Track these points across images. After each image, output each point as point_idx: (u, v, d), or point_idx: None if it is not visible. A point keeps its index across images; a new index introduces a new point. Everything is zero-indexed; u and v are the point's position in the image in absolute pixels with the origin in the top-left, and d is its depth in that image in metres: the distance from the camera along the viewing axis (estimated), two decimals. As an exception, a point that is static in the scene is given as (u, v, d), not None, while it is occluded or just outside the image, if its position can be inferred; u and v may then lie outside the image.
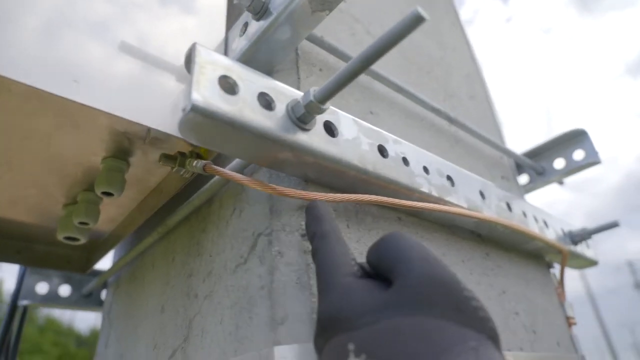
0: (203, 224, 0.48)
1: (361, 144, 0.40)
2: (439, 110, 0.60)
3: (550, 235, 0.64)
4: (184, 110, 0.30)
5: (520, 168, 0.79)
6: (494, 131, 0.77)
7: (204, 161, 0.40)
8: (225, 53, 0.48)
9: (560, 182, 0.83)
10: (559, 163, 0.76)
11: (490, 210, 0.53)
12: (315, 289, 0.34)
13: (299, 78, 0.45)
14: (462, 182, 0.50)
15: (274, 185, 0.36)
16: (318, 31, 0.49)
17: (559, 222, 0.68)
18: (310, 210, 0.33)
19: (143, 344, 0.53)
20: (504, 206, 0.56)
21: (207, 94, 0.31)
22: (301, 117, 0.35)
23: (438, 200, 0.46)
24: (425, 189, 0.45)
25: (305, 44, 0.48)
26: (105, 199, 0.54)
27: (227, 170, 0.38)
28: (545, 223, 0.64)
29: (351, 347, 0.23)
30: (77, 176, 0.50)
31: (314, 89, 0.34)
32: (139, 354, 0.53)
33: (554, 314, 0.63)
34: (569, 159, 0.75)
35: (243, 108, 0.32)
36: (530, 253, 0.65)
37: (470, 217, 0.47)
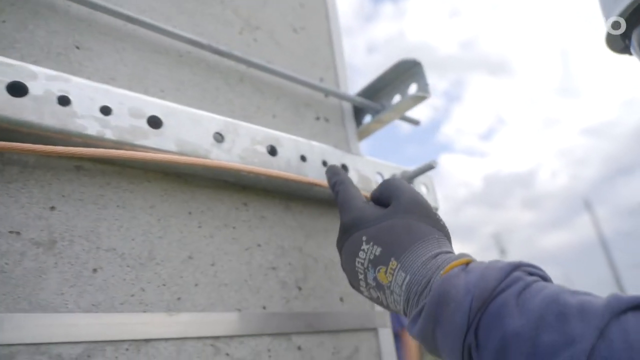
0: None
1: (-31, 81, 0.34)
2: (199, 43, 0.52)
3: (354, 180, 0.57)
4: None
5: (361, 109, 0.72)
6: (324, 68, 0.69)
7: None
8: None
9: (415, 122, 0.75)
10: (396, 99, 0.68)
11: (227, 155, 0.46)
12: None
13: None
14: (179, 123, 0.44)
15: None
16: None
17: (373, 166, 0.62)
18: (330, 169, 0.49)
19: None
20: (263, 150, 0.50)
21: None
22: None
23: (118, 145, 0.39)
24: (92, 132, 0.38)
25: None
26: None
27: None
28: (345, 167, 0.58)
29: (364, 238, 0.39)
30: None
31: None
32: None
33: (349, 266, 0.57)
34: (404, 94, 0.67)
35: None
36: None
37: (158, 161, 0.41)
